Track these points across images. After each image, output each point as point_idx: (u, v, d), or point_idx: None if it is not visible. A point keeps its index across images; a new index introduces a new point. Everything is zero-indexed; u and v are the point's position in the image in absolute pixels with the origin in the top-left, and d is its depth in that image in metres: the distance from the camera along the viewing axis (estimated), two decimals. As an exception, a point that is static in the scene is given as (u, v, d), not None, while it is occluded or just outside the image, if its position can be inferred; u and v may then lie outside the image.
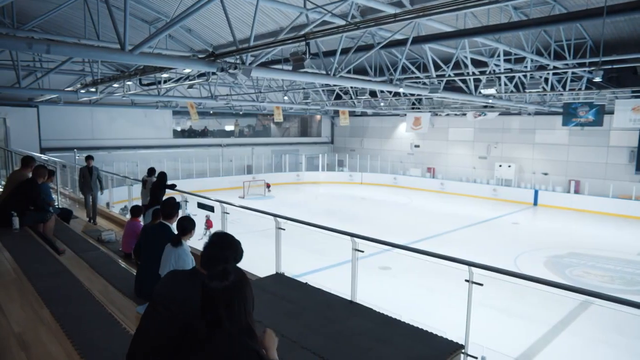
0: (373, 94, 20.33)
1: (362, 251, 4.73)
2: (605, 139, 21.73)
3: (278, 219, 5.59)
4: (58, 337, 2.86)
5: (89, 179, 10.41)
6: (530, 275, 3.69)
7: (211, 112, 27.93)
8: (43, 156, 14.78)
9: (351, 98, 22.50)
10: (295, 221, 5.44)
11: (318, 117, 34.73)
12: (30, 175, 6.52)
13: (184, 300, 2.07)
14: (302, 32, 8.84)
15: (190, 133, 29.29)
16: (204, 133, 29.82)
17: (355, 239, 4.75)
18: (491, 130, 26.23)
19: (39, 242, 5.13)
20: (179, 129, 28.89)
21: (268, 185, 25.93)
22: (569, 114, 17.91)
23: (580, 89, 16.00)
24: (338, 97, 23.01)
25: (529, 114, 23.67)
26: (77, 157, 18.80)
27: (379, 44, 10.09)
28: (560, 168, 23.75)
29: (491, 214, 21.34)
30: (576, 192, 22.82)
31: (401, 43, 10.35)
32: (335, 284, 5.79)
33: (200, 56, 9.58)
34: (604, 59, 12.15)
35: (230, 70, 7.81)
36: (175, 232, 4.05)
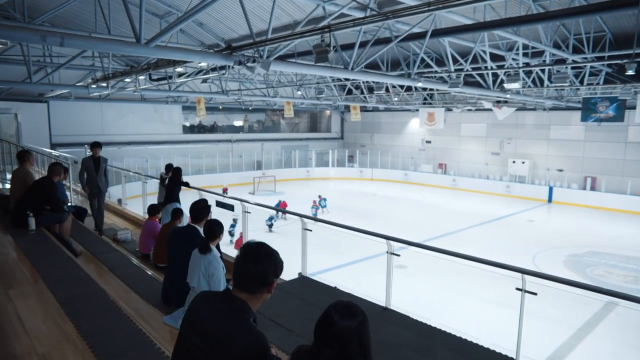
0: (385, 89, 19.95)
1: (399, 255, 4.46)
2: (623, 134, 21.22)
3: (304, 219, 5.33)
4: (87, 359, 2.59)
5: (94, 174, 7.81)
6: (589, 285, 3.39)
7: (220, 107, 27.73)
8: (54, 152, 14.61)
9: (362, 93, 22.17)
10: (325, 222, 5.17)
11: (328, 112, 34.41)
12: (29, 169, 6.30)
13: (225, 338, 1.77)
14: (321, 25, 8.56)
15: (199, 128, 29.11)
16: (213, 128, 29.62)
17: (391, 242, 4.47)
18: (504, 126, 25.77)
19: (55, 244, 4.88)
20: (187, 124, 28.71)
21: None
22: (588, 109, 17.46)
23: (598, 84, 15.57)
24: (349, 92, 22.68)
25: (544, 109, 23.20)
26: (87, 153, 18.71)
27: (397, 38, 9.79)
28: (576, 164, 23.27)
29: (505, 211, 20.98)
30: (592, 189, 22.36)
31: (419, 36, 10.09)
32: (354, 283, 5.53)
33: (216, 49, 9.33)
34: (629, 51, 11.77)
35: (249, 64, 7.55)
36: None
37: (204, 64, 12.27)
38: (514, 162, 25.18)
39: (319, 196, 19.61)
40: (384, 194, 25.79)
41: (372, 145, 32.44)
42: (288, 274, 7.68)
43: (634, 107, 17.06)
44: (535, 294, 3.69)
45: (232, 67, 7.73)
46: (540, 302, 9.03)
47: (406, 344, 3.75)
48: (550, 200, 23.29)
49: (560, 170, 23.73)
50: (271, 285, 1.91)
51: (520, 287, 3.72)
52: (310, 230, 5.29)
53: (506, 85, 11.23)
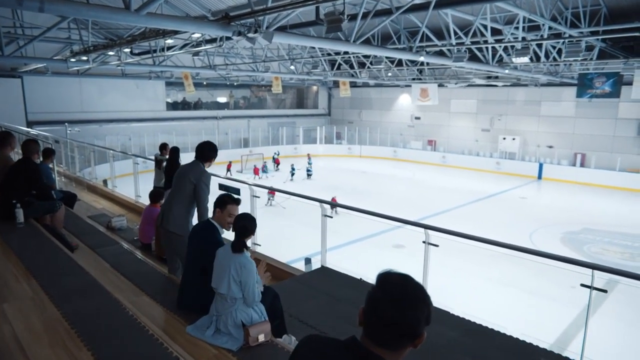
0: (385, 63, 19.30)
1: (437, 245, 4.07)
2: (613, 110, 21.20)
3: (323, 205, 4.87)
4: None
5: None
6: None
7: (205, 83, 26.74)
8: (32, 131, 13.72)
9: (352, 68, 21.50)
10: (350, 209, 4.73)
11: (314, 88, 33.62)
12: (9, 154, 5.55)
13: None
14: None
15: (183, 105, 28.10)
16: (197, 105, 28.64)
17: (429, 232, 4.07)
18: (495, 102, 25.55)
19: (48, 238, 4.29)
20: (171, 101, 27.67)
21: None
22: (584, 85, 17.21)
23: (592, 59, 15.32)
24: (338, 67, 21.96)
25: (536, 85, 22.98)
26: (68, 131, 17.74)
27: (398, 9, 9.27)
28: (566, 141, 23.28)
29: (497, 188, 20.92)
30: (582, 165, 22.45)
31: (422, 8, 9.65)
32: (357, 265, 5.14)
33: (211, 19, 8.64)
34: (623, 26, 11.55)
35: (250, 34, 6.93)
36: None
37: (195, 36, 11.48)
38: (504, 138, 25.08)
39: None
40: (373, 171, 25.48)
41: (360, 122, 31.92)
42: (292, 255, 7.25)
43: (629, 83, 16.89)
44: (605, 291, 3.35)
45: (231, 39, 7.08)
46: (539, 280, 8.88)
47: (454, 345, 3.39)
48: (540, 176, 23.34)
49: (550, 147, 23.73)
50: (420, 337, 1.28)
51: (589, 284, 3.37)
52: (331, 217, 4.85)
53: (515, 60, 10.84)
